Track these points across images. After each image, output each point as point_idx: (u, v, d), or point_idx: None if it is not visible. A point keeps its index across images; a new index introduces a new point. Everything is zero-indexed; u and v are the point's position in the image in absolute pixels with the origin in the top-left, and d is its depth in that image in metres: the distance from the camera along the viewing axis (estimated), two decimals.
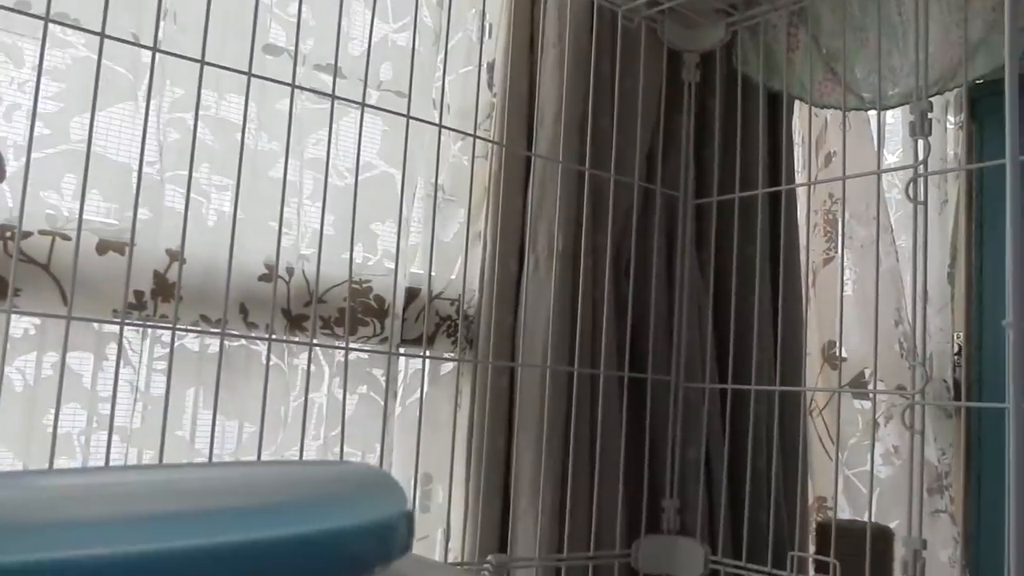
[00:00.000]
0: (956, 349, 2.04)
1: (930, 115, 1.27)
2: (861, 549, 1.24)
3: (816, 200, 1.88)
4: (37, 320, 1.01)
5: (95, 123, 0.93)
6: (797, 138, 1.80)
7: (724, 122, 1.56)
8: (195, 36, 1.01)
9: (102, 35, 0.90)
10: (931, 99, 1.28)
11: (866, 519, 1.35)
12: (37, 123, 0.93)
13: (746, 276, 1.51)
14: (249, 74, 1.01)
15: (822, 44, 1.44)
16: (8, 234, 0.98)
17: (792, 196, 1.61)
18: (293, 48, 1.08)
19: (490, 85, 1.41)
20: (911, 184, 1.24)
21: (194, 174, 1.03)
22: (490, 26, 1.42)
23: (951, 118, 2.08)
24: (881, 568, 1.32)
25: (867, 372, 1.83)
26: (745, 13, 1.49)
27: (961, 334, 2.04)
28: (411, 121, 1.17)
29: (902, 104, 1.36)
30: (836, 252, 1.88)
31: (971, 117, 2.02)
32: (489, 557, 1.25)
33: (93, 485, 0.28)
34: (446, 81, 1.36)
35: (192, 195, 1.04)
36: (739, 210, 1.51)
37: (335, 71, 1.09)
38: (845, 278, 1.79)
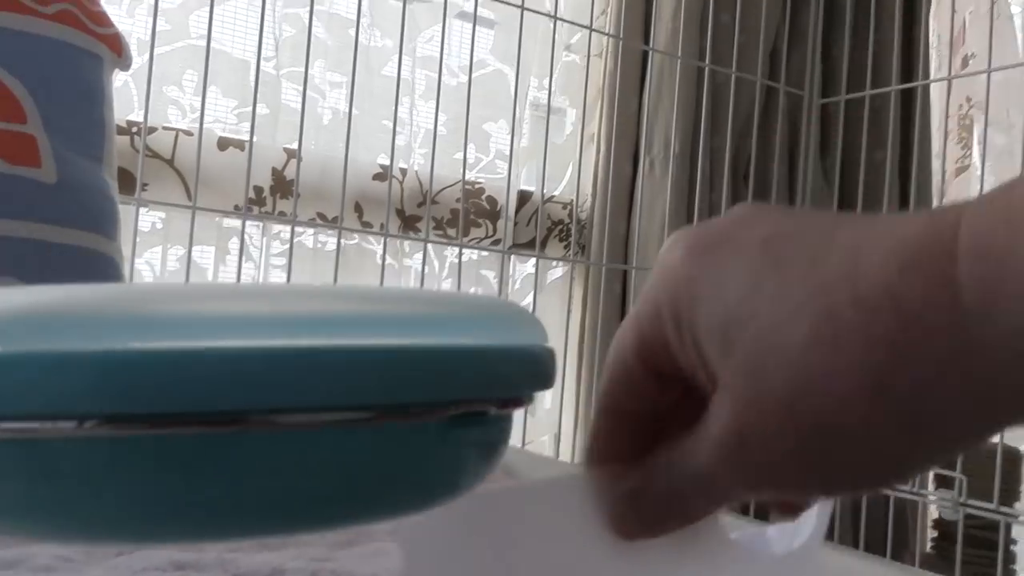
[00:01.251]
0: None
1: None
2: (988, 469, 1.19)
3: (951, 104, 1.76)
4: (163, 215, 1.03)
5: (213, 19, 0.93)
6: (933, 38, 1.67)
7: (855, 16, 1.46)
8: None
9: None
10: None
11: (996, 439, 1.29)
12: (158, 19, 0.94)
13: (874, 183, 1.43)
14: None
15: None
16: (134, 129, 1.00)
17: (927, 98, 1.50)
18: None
19: None
20: None
21: (309, 71, 1.03)
22: None
23: None
24: (1007, 488, 1.26)
25: None
26: None
27: None
28: (524, 24, 1.13)
29: None
30: (970, 160, 1.76)
31: None
32: None
33: (237, 286, 0.27)
34: None
35: (308, 92, 1.04)
36: (869, 111, 1.42)
37: None
38: (981, 188, 1.68)
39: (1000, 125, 1.76)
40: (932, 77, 1.59)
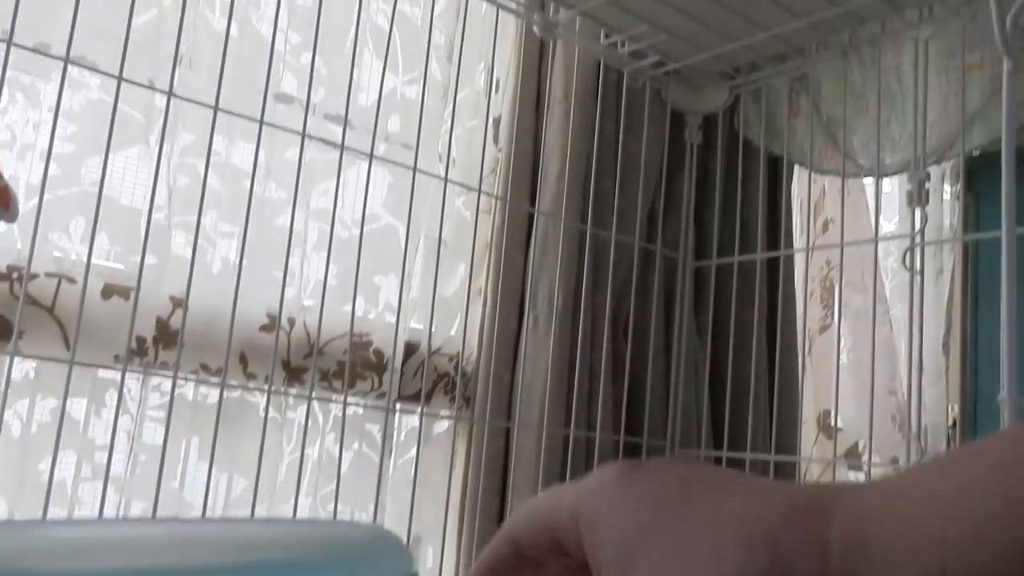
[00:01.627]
0: (951, 421, 2.03)
1: (927, 185, 1.29)
2: None
3: (813, 267, 1.89)
4: (35, 363, 0.99)
5: (107, 166, 0.93)
6: (795, 204, 1.81)
7: (725, 184, 1.58)
8: (209, 81, 1.01)
9: (120, 78, 0.90)
10: (928, 169, 1.29)
11: None
12: (50, 164, 0.93)
13: (743, 341, 1.50)
14: (261, 122, 1.01)
15: (822, 110, 1.47)
16: (15, 275, 0.97)
17: (790, 262, 1.62)
18: (304, 97, 1.09)
19: (496, 140, 1.42)
20: (908, 254, 1.24)
21: (202, 220, 1.03)
22: (497, 81, 1.43)
23: (948, 187, 2.11)
24: None
25: (861, 443, 1.81)
26: (748, 77, 1.52)
27: (956, 406, 2.04)
28: (417, 174, 1.17)
29: (900, 172, 1.38)
30: (832, 320, 1.88)
31: (968, 187, 2.05)
32: None
33: (106, 536, 0.28)
34: (453, 135, 1.37)
35: (198, 241, 1.04)
36: (738, 274, 1.51)
37: (345, 121, 1.10)
38: (840, 347, 1.79)
39: (857, 286, 1.90)
40: (795, 241, 1.71)
